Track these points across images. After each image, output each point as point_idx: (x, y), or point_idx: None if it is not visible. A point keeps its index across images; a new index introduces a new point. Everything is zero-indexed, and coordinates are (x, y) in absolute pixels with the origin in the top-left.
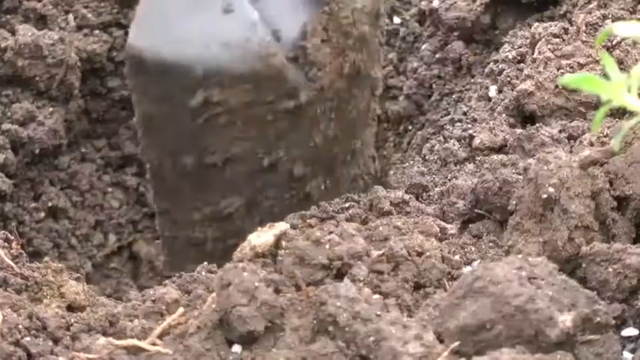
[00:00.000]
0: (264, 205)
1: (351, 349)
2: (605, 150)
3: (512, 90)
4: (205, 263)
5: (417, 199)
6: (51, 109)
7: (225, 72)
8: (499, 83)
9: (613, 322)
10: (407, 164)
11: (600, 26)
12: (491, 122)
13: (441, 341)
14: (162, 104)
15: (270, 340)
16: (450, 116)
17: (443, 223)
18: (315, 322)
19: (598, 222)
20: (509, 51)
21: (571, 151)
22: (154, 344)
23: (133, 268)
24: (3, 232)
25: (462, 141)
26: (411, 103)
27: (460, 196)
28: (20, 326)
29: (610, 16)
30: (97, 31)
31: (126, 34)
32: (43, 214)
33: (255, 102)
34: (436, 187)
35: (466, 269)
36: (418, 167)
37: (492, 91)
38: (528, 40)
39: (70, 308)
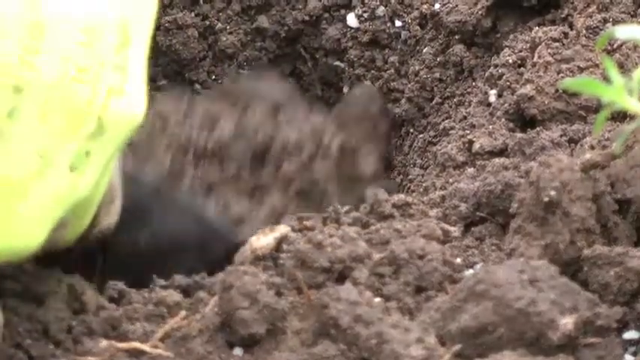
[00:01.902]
0: None
1: (352, 352)
2: (607, 153)
3: (512, 94)
4: None
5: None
6: None
7: None
8: (499, 88)
9: (615, 325)
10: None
11: (601, 30)
12: (491, 127)
13: (443, 344)
14: None
15: (272, 342)
16: (450, 120)
17: (446, 226)
18: (316, 325)
19: (599, 225)
20: (509, 55)
21: (572, 155)
22: (155, 347)
23: None
24: None
25: (461, 145)
26: (413, 106)
27: (462, 199)
28: (21, 329)
29: (610, 19)
30: None
31: None
32: None
33: None
34: (436, 190)
35: (468, 272)
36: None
37: (492, 96)
38: (528, 45)
39: (72, 311)
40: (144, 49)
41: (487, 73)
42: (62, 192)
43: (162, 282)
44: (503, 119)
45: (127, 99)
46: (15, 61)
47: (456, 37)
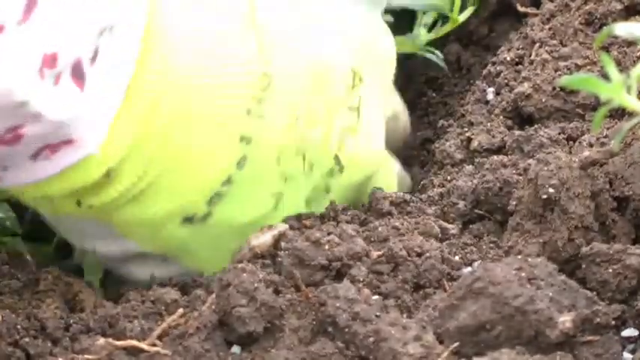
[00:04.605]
0: None
1: (350, 349)
2: (605, 151)
3: (510, 92)
4: None
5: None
6: None
7: None
8: (496, 85)
9: (613, 322)
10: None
11: (599, 27)
12: (489, 124)
13: (441, 342)
14: None
15: (270, 340)
16: (447, 118)
17: (444, 224)
18: (314, 322)
19: (598, 223)
20: (506, 53)
21: (570, 152)
22: (153, 345)
23: None
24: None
25: (459, 143)
26: (410, 106)
27: (461, 196)
28: (19, 327)
29: (608, 17)
30: None
31: None
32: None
33: None
34: (434, 188)
35: (466, 270)
36: None
37: (490, 93)
38: (526, 42)
39: (69, 309)
40: (379, 90)
41: (485, 71)
42: None
43: (159, 280)
44: (501, 117)
45: (362, 137)
46: (242, 112)
47: (451, 37)
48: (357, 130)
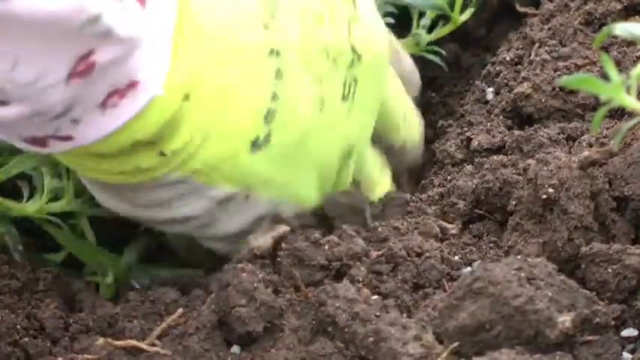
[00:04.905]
0: None
1: (350, 349)
2: (605, 151)
3: (510, 92)
4: None
5: None
6: None
7: None
8: (496, 85)
9: (612, 322)
10: None
11: (598, 27)
12: (489, 124)
13: (441, 342)
14: None
15: (269, 340)
16: (447, 118)
17: (444, 224)
18: (314, 322)
19: (597, 223)
20: (506, 53)
21: (570, 152)
22: (153, 345)
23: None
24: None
25: (459, 143)
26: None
27: (461, 196)
28: (18, 327)
29: (608, 17)
30: None
31: None
32: None
33: None
34: (434, 188)
35: (466, 270)
36: None
37: (489, 93)
38: (525, 42)
39: (69, 309)
40: None
41: (484, 71)
42: (338, 121)
43: (159, 280)
44: (500, 117)
45: (364, 24)
46: (261, 27)
47: (451, 37)
48: (358, 19)
